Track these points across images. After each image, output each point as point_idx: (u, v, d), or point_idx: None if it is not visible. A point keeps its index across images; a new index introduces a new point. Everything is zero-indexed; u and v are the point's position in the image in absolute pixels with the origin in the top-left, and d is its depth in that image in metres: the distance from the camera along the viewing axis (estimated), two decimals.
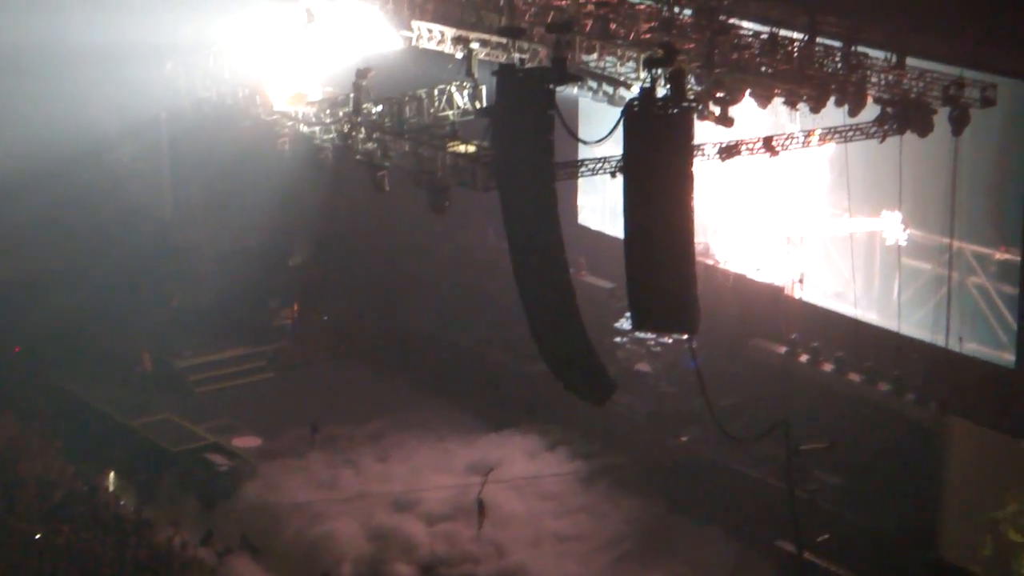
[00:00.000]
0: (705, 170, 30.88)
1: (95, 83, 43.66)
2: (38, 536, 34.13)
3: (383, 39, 35.97)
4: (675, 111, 28.85)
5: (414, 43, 35.68)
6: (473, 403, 42.58)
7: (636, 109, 29.00)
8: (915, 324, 37.05)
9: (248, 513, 37.64)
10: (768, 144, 31.53)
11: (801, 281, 39.18)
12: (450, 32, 34.91)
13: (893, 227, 37.27)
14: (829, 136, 32.40)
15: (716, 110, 31.17)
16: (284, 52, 36.08)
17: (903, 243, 37.15)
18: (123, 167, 46.09)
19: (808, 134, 32.52)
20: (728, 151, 31.23)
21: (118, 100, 43.39)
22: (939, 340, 36.37)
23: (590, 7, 33.69)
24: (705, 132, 30.88)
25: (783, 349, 38.85)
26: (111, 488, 37.96)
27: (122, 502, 37.08)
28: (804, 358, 38.49)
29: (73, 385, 42.79)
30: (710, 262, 39.63)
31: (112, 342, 44.15)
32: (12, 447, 38.15)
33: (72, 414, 41.52)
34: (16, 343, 43.72)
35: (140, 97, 41.78)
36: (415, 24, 35.85)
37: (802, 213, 39.28)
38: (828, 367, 38.08)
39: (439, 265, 46.38)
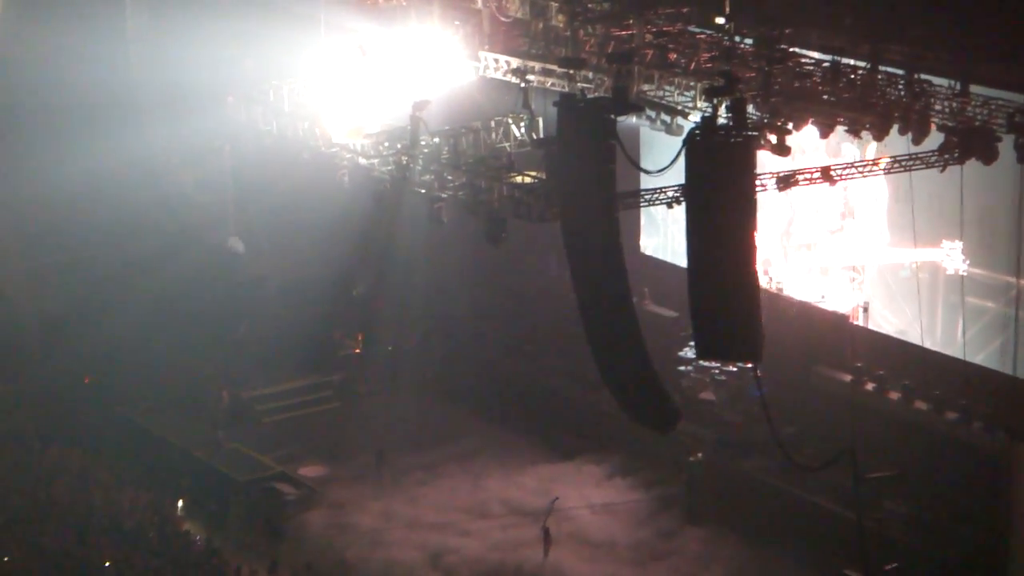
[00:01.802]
0: (768, 197, 30.68)
1: (159, 116, 44.04)
2: (107, 564, 34.32)
3: (442, 71, 35.93)
4: (737, 140, 28.63)
5: (480, 73, 35.68)
6: (536, 432, 42.53)
7: (698, 138, 28.80)
8: (980, 361, 36.62)
9: (314, 541, 37.63)
10: (826, 174, 31.23)
11: (866, 309, 38.86)
12: (512, 62, 34.86)
13: (954, 257, 36.84)
14: (890, 165, 32.08)
15: (772, 139, 30.93)
16: (343, 86, 36.14)
17: (963, 273, 36.70)
18: (186, 197, 46.19)
19: (868, 164, 32.22)
20: (786, 181, 31.00)
21: (182, 133, 43.64)
22: (1006, 369, 35.87)
23: (650, 37, 33.54)
24: (765, 160, 30.66)
25: (848, 377, 38.53)
26: (180, 517, 38.02)
27: (191, 531, 37.20)
28: (870, 386, 38.20)
29: (141, 415, 42.92)
30: (774, 290, 39.31)
31: (180, 372, 44.24)
32: (82, 477, 38.41)
33: (141, 444, 41.68)
34: (84, 372, 43.91)
35: (203, 130, 42.12)
36: (482, 55, 35.86)
37: (863, 240, 38.96)
38: (894, 395, 37.78)
39: (500, 295, 46.23)
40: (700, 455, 38.68)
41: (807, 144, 32.76)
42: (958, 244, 36.62)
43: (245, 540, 37.52)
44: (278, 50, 38.14)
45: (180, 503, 38.26)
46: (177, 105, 42.85)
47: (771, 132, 30.55)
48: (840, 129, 31.03)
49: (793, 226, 39.95)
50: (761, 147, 30.37)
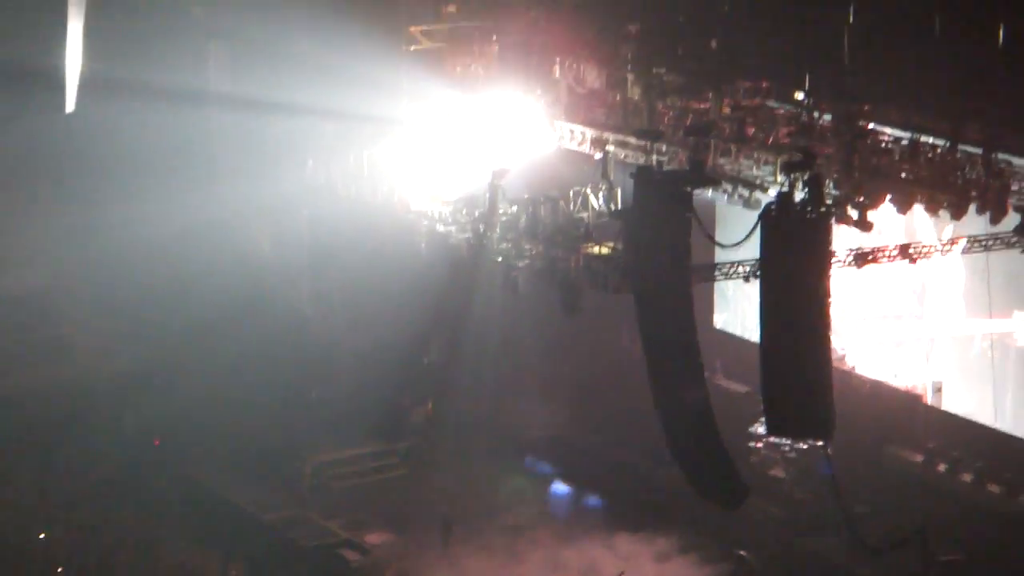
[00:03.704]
0: (841, 272, 30.79)
1: (236, 170, 44.40)
2: None
3: (521, 140, 36.29)
4: (813, 216, 28.82)
5: (557, 144, 36.00)
6: (608, 503, 42.32)
7: (774, 213, 28.98)
8: None
9: None
10: (905, 252, 31.37)
11: (939, 389, 38.77)
12: (590, 133, 35.17)
13: None
14: (969, 246, 32.14)
15: (855, 214, 31.06)
16: (423, 153, 36.54)
17: None
18: (262, 258, 46.57)
19: (946, 244, 32.31)
20: (863, 258, 31.12)
21: (260, 193, 44.03)
22: None
23: (728, 110, 33.76)
24: (841, 236, 30.78)
25: (920, 458, 38.42)
26: None
27: None
28: (942, 467, 38.03)
29: (210, 478, 43.04)
30: (846, 367, 39.29)
31: (250, 436, 44.44)
32: (149, 540, 38.61)
33: (209, 507, 41.84)
34: (152, 435, 44.04)
35: (281, 191, 42.50)
36: (558, 125, 36.19)
37: (938, 315, 38.91)
38: (967, 477, 37.58)
39: (571, 366, 46.27)
40: (742, 553, 38.49)
41: (883, 222, 32.72)
42: None
43: None
44: (359, 116, 38.44)
45: (245, 568, 38.34)
46: (256, 166, 43.22)
47: (852, 208, 30.68)
48: (917, 207, 31.17)
49: (869, 302, 39.87)
50: (843, 222, 30.51)
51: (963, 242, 32.25)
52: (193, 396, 44.13)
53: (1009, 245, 31.71)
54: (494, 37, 38.75)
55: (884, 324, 40.12)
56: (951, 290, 38.70)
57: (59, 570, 36.24)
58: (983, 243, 31.92)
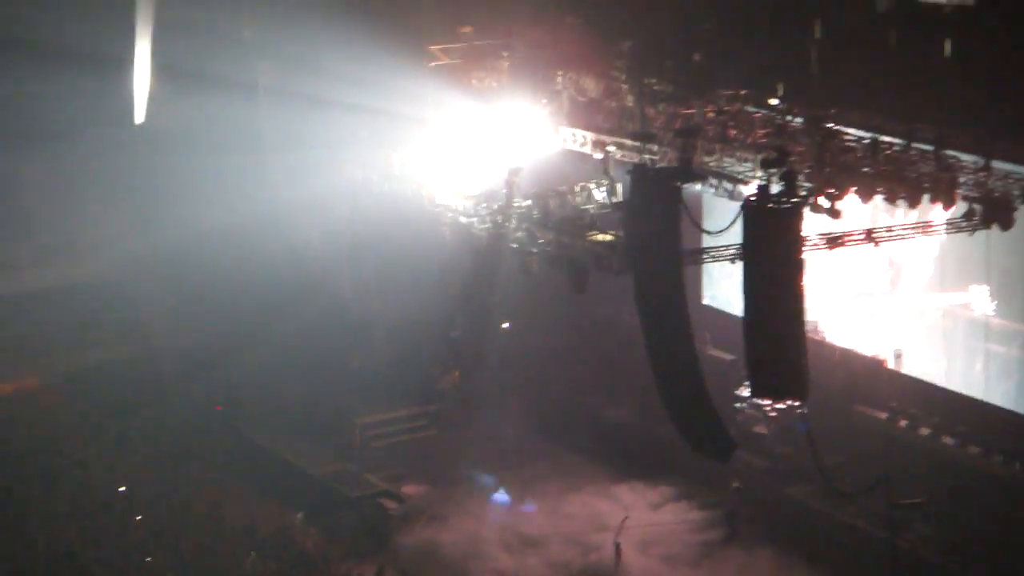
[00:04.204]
0: (815, 254, 31.08)
1: (285, 169, 44.62)
2: (238, 566, 34.89)
3: (532, 142, 36.53)
4: (788, 205, 29.14)
5: (561, 146, 36.19)
6: (609, 458, 42.63)
7: (753, 204, 29.30)
8: (998, 398, 36.68)
9: (415, 549, 38.06)
10: (870, 236, 31.68)
11: (899, 356, 38.96)
12: (590, 136, 35.38)
13: (981, 301, 36.93)
14: (924, 230, 32.43)
15: (825, 204, 31.32)
16: (446, 154, 36.74)
17: (990, 316, 36.79)
18: (312, 248, 46.83)
19: (907, 227, 32.62)
20: (833, 241, 31.39)
21: (305, 187, 44.23)
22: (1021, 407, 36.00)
23: (712, 115, 33.97)
24: (815, 223, 31.07)
25: (884, 415, 38.53)
26: (299, 528, 38.33)
27: (308, 540, 37.54)
28: (903, 423, 38.14)
29: (266, 439, 43.41)
30: (819, 337, 39.49)
31: (300, 401, 44.79)
32: (216, 491, 39.10)
33: (266, 464, 42.27)
34: (216, 401, 44.46)
35: (325, 187, 42.67)
36: (561, 129, 36.40)
37: (903, 291, 39.06)
38: (925, 431, 37.70)
39: (578, 339, 46.53)
40: (735, 484, 38.74)
41: (856, 212, 32.97)
42: (985, 288, 36.65)
43: (355, 548, 37.86)
44: (389, 122, 38.69)
45: (299, 516, 38.63)
46: (302, 167, 43.42)
47: (823, 199, 30.92)
48: (879, 198, 31.45)
49: (845, 281, 39.97)
50: (817, 211, 30.76)
51: (919, 226, 32.40)
52: (251, 369, 44.43)
53: (960, 229, 31.96)
54: (505, 53, 38.98)
55: (856, 300, 40.12)
56: (919, 270, 38.71)
57: (138, 518, 36.39)
58: (936, 228, 32.17)
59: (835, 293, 40.17)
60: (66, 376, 44.64)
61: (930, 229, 32.37)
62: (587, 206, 34.53)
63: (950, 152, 31.51)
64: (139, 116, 43.14)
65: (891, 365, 39.18)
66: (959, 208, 31.60)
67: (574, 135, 36.04)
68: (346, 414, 44.29)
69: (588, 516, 39.43)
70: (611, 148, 34.65)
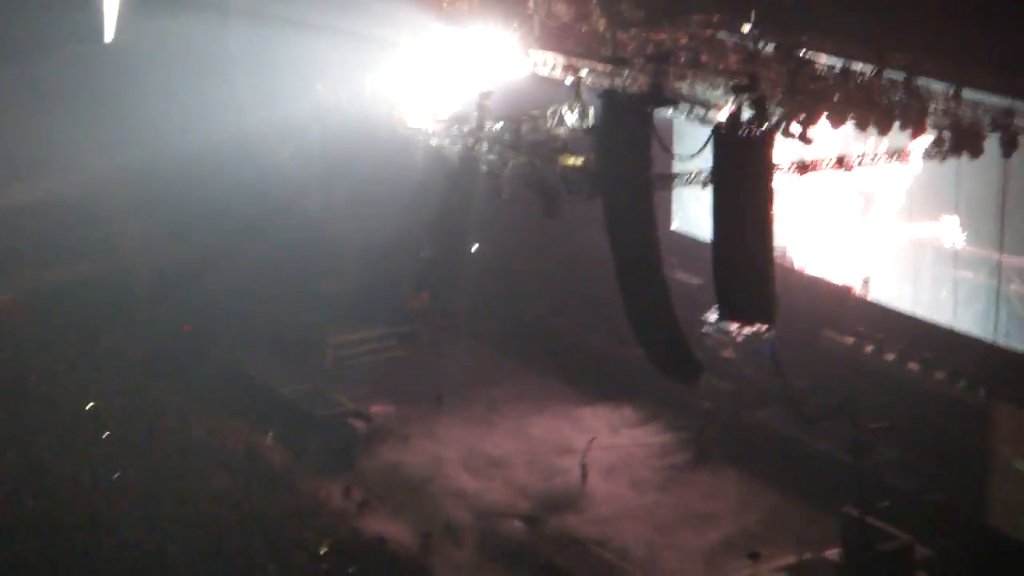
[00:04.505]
0: (786, 182, 31.10)
1: (256, 91, 44.33)
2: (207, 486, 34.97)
3: (504, 66, 36.37)
4: (758, 132, 29.15)
5: (532, 69, 36.05)
6: (577, 380, 42.89)
7: (723, 130, 29.32)
8: (962, 324, 36.99)
9: (382, 468, 38.28)
10: (841, 161, 31.74)
11: (867, 283, 39.16)
12: (561, 60, 35.27)
13: (951, 231, 37.14)
14: (894, 156, 32.52)
15: (796, 130, 31.32)
16: (418, 76, 36.56)
17: (960, 246, 37.02)
18: (283, 171, 46.66)
19: (875, 154, 32.68)
20: (804, 167, 31.46)
21: (275, 109, 43.98)
22: (986, 331, 36.32)
23: (684, 41, 33.90)
24: (786, 149, 31.13)
25: (851, 340, 38.83)
26: (269, 447, 38.56)
27: (277, 459, 37.86)
28: (869, 349, 38.47)
29: (235, 358, 43.50)
30: (787, 264, 39.63)
31: (270, 322, 44.92)
32: (184, 411, 39.02)
33: (235, 384, 42.21)
34: (185, 322, 44.34)
35: (296, 110, 42.44)
36: (532, 53, 36.25)
37: (874, 219, 39.22)
38: (890, 357, 38.06)
39: (551, 263, 46.67)
40: (706, 403, 39.00)
41: (827, 140, 33.00)
42: (955, 219, 36.86)
43: (323, 466, 38.06)
44: (361, 44, 38.44)
45: (269, 435, 38.81)
46: (275, 88, 43.16)
47: (797, 124, 30.87)
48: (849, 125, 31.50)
49: (818, 209, 40.12)
50: (788, 136, 30.76)
51: (887, 152, 32.46)
52: (221, 290, 44.33)
53: (929, 157, 32.07)
54: None
55: (825, 227, 40.26)
56: (890, 200, 38.83)
57: (106, 434, 36.42)
58: (906, 154, 32.27)
59: (805, 220, 40.32)
60: (33, 293, 44.34)
61: (900, 156, 32.36)
62: (559, 130, 34.44)
63: (920, 80, 31.49)
64: (108, 34, 42.66)
65: (858, 292, 39.38)
66: (929, 136, 31.65)
67: (545, 59, 35.90)
68: (317, 334, 44.33)
69: (554, 439, 39.70)
70: (583, 73, 34.52)
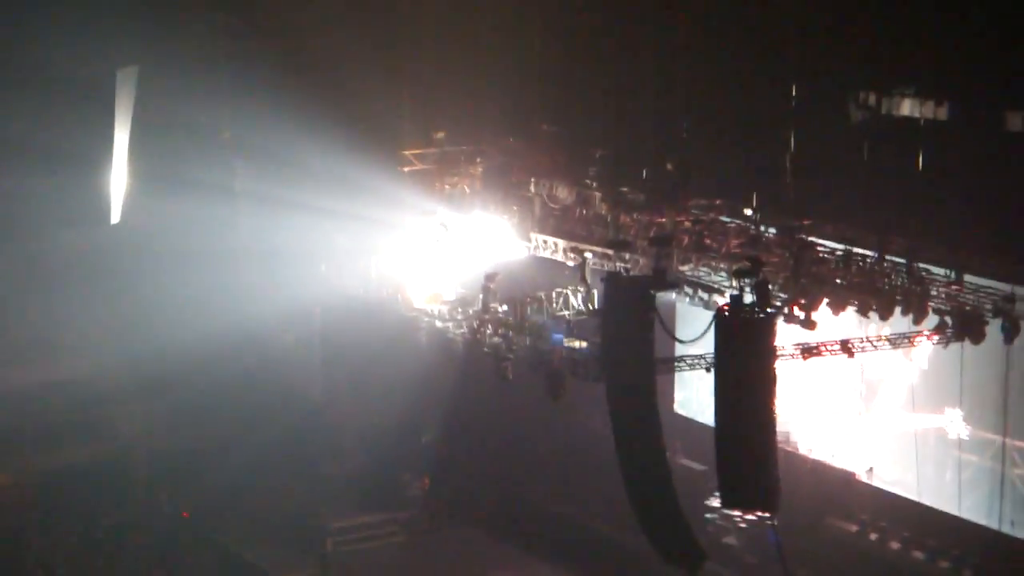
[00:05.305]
0: (789, 366, 30.97)
1: (261, 273, 44.41)
2: None
3: (507, 249, 36.54)
4: (760, 316, 29.06)
5: (532, 252, 36.20)
6: (578, 567, 42.06)
7: (726, 313, 29.22)
8: (967, 510, 36.58)
9: None
10: (845, 347, 31.62)
11: (871, 471, 38.86)
12: (563, 243, 35.39)
13: (955, 423, 36.91)
14: (898, 342, 32.43)
15: (800, 315, 31.28)
16: (423, 258, 36.72)
17: (964, 437, 36.74)
18: (281, 354, 46.58)
19: (881, 339, 32.61)
20: (808, 351, 31.33)
21: (280, 296, 44.07)
22: (992, 517, 35.89)
23: (687, 224, 34.06)
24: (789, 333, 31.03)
25: (855, 528, 38.45)
26: None
27: None
28: (873, 536, 38.05)
29: (233, 542, 42.86)
30: (790, 449, 39.33)
31: (271, 505, 44.39)
32: None
33: (232, 569, 41.67)
34: (184, 507, 43.91)
35: (300, 291, 42.53)
36: (533, 236, 36.43)
37: (877, 408, 39.01)
38: (895, 545, 37.61)
39: (552, 446, 46.27)
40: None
41: (830, 325, 32.96)
42: (958, 411, 36.65)
43: None
44: (366, 227, 38.69)
45: None
46: (278, 271, 43.30)
47: (798, 309, 30.88)
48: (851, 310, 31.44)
49: (820, 396, 39.93)
50: (791, 322, 30.71)
51: (892, 338, 32.39)
52: (222, 473, 43.94)
53: (933, 343, 32.03)
54: (478, 160, 39.15)
55: (829, 414, 40.05)
56: (893, 390, 38.69)
57: None
58: (910, 339, 32.17)
59: (808, 405, 40.13)
60: (36, 475, 43.98)
61: (904, 340, 32.27)
62: (564, 312, 34.36)
63: (922, 265, 31.54)
64: (114, 216, 42.93)
65: (862, 478, 38.99)
66: (931, 322, 31.59)
67: (545, 242, 36.06)
68: (317, 520, 43.88)
69: None
70: (588, 255, 34.64)
